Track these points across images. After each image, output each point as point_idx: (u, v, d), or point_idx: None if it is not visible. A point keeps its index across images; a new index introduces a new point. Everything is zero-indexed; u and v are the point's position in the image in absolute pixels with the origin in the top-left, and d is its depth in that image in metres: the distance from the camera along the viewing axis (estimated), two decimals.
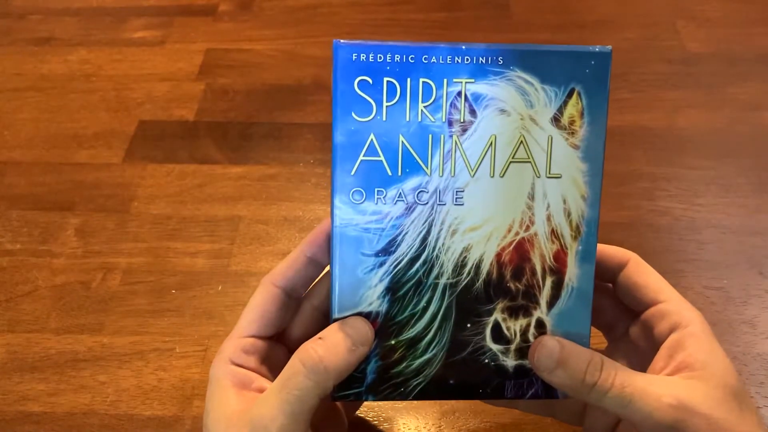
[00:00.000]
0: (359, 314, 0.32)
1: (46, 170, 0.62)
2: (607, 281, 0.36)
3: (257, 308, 0.34)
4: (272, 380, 0.33)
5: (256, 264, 0.54)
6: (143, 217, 0.58)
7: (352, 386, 0.33)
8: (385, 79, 0.31)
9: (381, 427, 0.45)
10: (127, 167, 0.62)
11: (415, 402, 0.46)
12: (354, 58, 0.31)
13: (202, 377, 0.48)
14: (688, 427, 0.29)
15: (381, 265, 0.32)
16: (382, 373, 0.33)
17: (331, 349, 0.30)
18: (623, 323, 0.36)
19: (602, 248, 0.35)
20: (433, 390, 0.33)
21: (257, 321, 0.34)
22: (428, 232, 0.32)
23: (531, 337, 0.33)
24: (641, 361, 0.33)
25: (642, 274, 0.35)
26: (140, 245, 0.56)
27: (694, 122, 0.65)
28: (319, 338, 0.31)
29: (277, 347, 0.35)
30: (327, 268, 0.34)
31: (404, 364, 0.33)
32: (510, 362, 0.33)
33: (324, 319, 0.35)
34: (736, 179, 0.60)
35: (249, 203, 0.59)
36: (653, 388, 0.30)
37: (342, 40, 0.31)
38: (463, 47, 0.31)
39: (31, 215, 0.59)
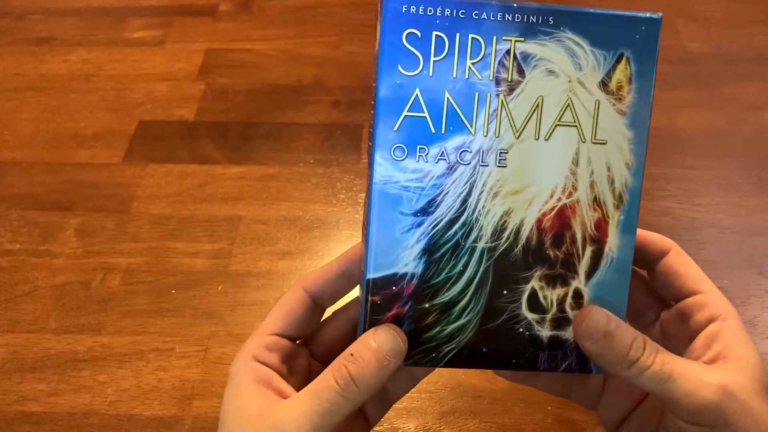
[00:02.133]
0: (393, 275, 0.31)
1: (46, 170, 0.62)
2: (644, 267, 0.36)
3: (284, 308, 0.34)
4: (291, 382, 0.33)
5: (256, 264, 0.54)
6: (143, 217, 0.58)
7: None
8: (434, 33, 0.30)
9: (381, 427, 0.45)
10: (127, 167, 0.62)
11: (416, 402, 0.46)
12: (404, 9, 0.30)
13: (202, 377, 0.48)
14: (727, 410, 0.29)
15: (419, 225, 0.31)
16: (414, 337, 0.32)
17: (362, 367, 0.30)
18: (653, 311, 0.36)
19: (644, 234, 0.35)
20: (465, 357, 0.32)
21: (283, 320, 0.34)
22: (469, 194, 0.31)
23: (568, 308, 0.32)
24: (671, 349, 0.33)
25: (683, 264, 0.35)
26: (140, 245, 0.56)
27: (694, 122, 0.65)
28: (351, 354, 0.30)
29: (300, 351, 0.35)
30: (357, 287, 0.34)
31: (437, 329, 0.32)
32: (545, 332, 0.32)
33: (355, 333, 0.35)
34: (736, 179, 0.60)
35: (249, 203, 0.59)
36: (694, 369, 0.30)
37: None
38: (515, 5, 0.30)
39: (31, 215, 0.59)
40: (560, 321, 0.32)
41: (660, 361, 0.29)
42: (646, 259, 0.35)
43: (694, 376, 0.29)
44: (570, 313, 0.32)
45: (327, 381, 0.30)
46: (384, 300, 0.31)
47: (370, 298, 0.31)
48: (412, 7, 0.30)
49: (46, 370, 0.48)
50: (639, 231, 0.34)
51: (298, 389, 0.31)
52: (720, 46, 0.72)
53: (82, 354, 0.49)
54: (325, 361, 0.36)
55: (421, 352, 0.32)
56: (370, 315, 0.31)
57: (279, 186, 0.60)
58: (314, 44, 0.74)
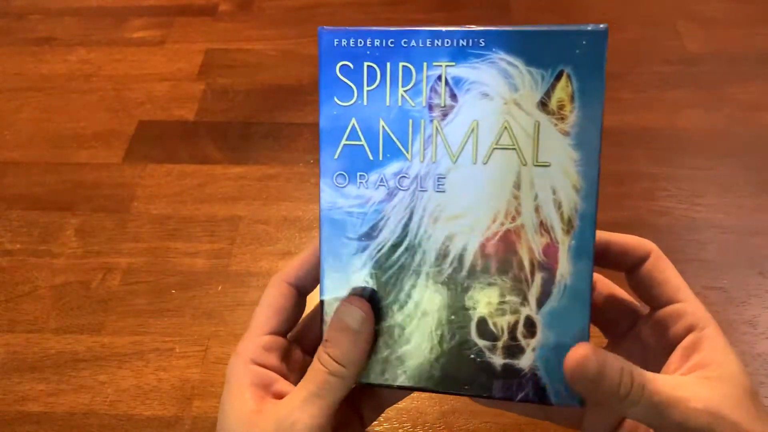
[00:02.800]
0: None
1: (46, 170, 0.62)
2: (625, 271, 0.36)
3: (273, 305, 0.34)
4: (293, 380, 0.33)
5: (256, 264, 0.54)
6: (143, 217, 0.58)
7: None
8: (366, 64, 0.31)
9: (381, 427, 0.45)
10: (126, 167, 0.62)
11: (416, 402, 0.46)
12: (336, 43, 0.31)
13: (202, 377, 0.48)
14: (715, 430, 0.29)
15: (364, 249, 0.32)
16: (369, 356, 0.32)
17: (339, 346, 0.31)
18: (627, 321, 0.36)
19: (623, 238, 0.35)
20: (418, 380, 0.32)
21: (275, 317, 0.34)
22: (410, 219, 0.32)
23: (520, 336, 0.31)
24: (647, 360, 0.33)
25: (662, 270, 0.34)
26: (140, 245, 0.56)
27: (694, 122, 0.65)
28: (326, 340, 0.32)
29: (294, 346, 0.35)
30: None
31: (388, 351, 0.32)
32: (497, 360, 0.32)
33: None
34: (736, 179, 0.60)
35: (249, 203, 0.59)
36: (679, 393, 0.29)
37: (326, 27, 0.32)
38: (443, 30, 0.30)
39: (31, 215, 0.59)
40: (513, 349, 0.32)
41: (648, 394, 0.29)
42: (626, 264, 0.35)
43: (682, 402, 0.29)
44: (522, 341, 0.31)
45: (315, 369, 0.31)
46: None
47: (324, 319, 0.32)
48: (343, 40, 0.31)
49: (46, 370, 0.48)
50: (618, 235, 0.34)
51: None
52: (720, 46, 0.72)
53: (82, 354, 0.49)
54: (313, 351, 0.36)
55: (375, 372, 0.32)
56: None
57: (279, 186, 0.60)
58: (314, 44, 0.74)
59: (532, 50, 0.30)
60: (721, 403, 0.29)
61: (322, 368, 0.31)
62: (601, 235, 0.34)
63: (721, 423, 0.29)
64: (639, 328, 0.35)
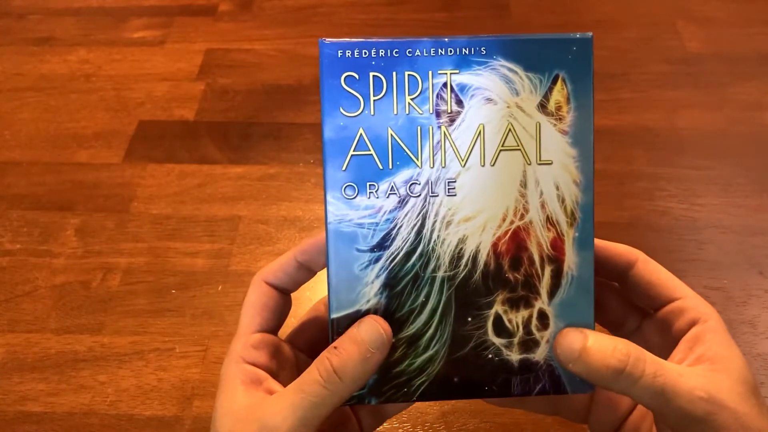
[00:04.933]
0: (357, 312, 0.32)
1: (46, 170, 0.62)
2: (614, 280, 0.36)
3: (257, 305, 0.34)
4: (282, 377, 0.33)
5: (256, 264, 0.54)
6: (143, 217, 0.58)
7: None
8: (371, 74, 0.31)
9: (381, 428, 0.45)
10: (127, 167, 0.62)
11: (417, 402, 0.46)
12: (339, 54, 0.31)
13: (202, 377, 0.48)
14: (716, 420, 0.29)
15: (377, 260, 0.32)
16: (384, 372, 0.32)
17: (345, 359, 0.30)
18: (632, 320, 0.36)
19: (609, 246, 0.35)
20: (438, 389, 0.33)
21: (260, 315, 0.34)
22: (422, 225, 0.32)
23: (534, 330, 0.32)
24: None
25: (654, 272, 0.35)
26: (140, 245, 0.56)
27: (694, 122, 0.65)
28: (334, 347, 0.31)
29: (283, 344, 0.35)
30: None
31: (406, 363, 0.32)
32: (514, 356, 0.32)
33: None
34: (736, 179, 0.60)
35: (249, 203, 0.59)
36: (684, 380, 0.30)
37: (327, 39, 0.31)
38: (446, 40, 0.31)
39: (31, 215, 0.59)
40: (528, 343, 0.32)
41: (651, 372, 0.29)
42: (614, 272, 0.35)
43: (685, 389, 0.29)
44: (537, 334, 0.32)
45: (311, 374, 0.30)
46: None
47: (335, 338, 0.31)
48: (347, 51, 0.31)
49: (46, 370, 0.48)
50: (604, 243, 0.35)
51: (288, 383, 0.32)
52: (720, 46, 0.72)
53: (82, 354, 0.49)
54: (310, 352, 0.36)
55: (393, 388, 0.32)
56: None
57: (279, 186, 0.60)
58: (314, 44, 0.73)
59: (530, 57, 0.32)
60: (724, 394, 0.29)
61: (318, 378, 0.30)
62: None
63: (723, 413, 0.29)
64: (644, 328, 0.36)
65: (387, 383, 0.32)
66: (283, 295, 0.35)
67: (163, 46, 0.74)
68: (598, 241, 0.35)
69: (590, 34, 0.32)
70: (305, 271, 0.34)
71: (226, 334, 0.50)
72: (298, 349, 0.35)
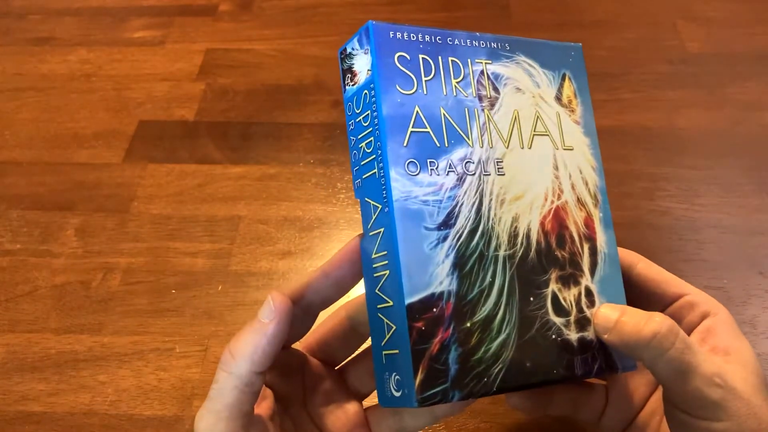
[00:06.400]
0: (431, 295, 0.29)
1: (46, 170, 0.62)
2: None
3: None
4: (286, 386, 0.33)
5: (256, 264, 0.54)
6: (143, 217, 0.58)
7: (437, 382, 0.29)
8: (421, 56, 0.32)
9: None
10: (127, 167, 0.62)
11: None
12: (391, 35, 0.32)
13: (202, 377, 0.48)
14: (730, 407, 0.29)
15: (445, 239, 0.30)
16: (463, 362, 0.30)
17: (238, 335, 0.30)
18: None
19: None
20: (514, 376, 0.31)
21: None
22: (480, 203, 0.32)
23: (584, 307, 0.33)
24: None
25: (658, 272, 0.35)
26: (140, 245, 0.56)
27: (694, 122, 0.65)
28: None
29: (292, 360, 0.35)
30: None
31: (483, 349, 0.30)
32: (573, 335, 0.32)
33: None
34: (736, 179, 0.60)
35: (249, 203, 0.59)
36: (707, 364, 0.30)
37: (376, 21, 0.32)
38: (478, 34, 0.34)
39: (31, 215, 0.59)
40: (582, 321, 0.33)
41: (680, 347, 0.30)
42: None
43: (707, 373, 0.30)
44: (587, 312, 0.33)
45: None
46: (428, 325, 0.29)
47: (414, 326, 0.29)
48: (398, 33, 0.32)
49: (46, 370, 0.48)
50: None
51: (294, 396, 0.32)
52: (720, 46, 0.72)
53: (82, 354, 0.49)
54: (325, 360, 0.36)
55: (474, 378, 0.30)
56: (415, 346, 0.29)
57: (279, 186, 0.60)
58: (314, 44, 0.74)
59: (542, 56, 0.35)
60: (738, 383, 0.30)
61: (218, 365, 0.30)
62: None
63: (737, 402, 0.30)
64: None
65: (467, 374, 0.30)
66: (308, 313, 0.33)
67: (163, 46, 0.74)
68: None
69: (579, 44, 0.37)
70: (335, 288, 0.33)
71: (226, 334, 0.50)
72: (311, 354, 0.35)
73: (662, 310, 0.35)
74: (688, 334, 0.33)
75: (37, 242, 0.56)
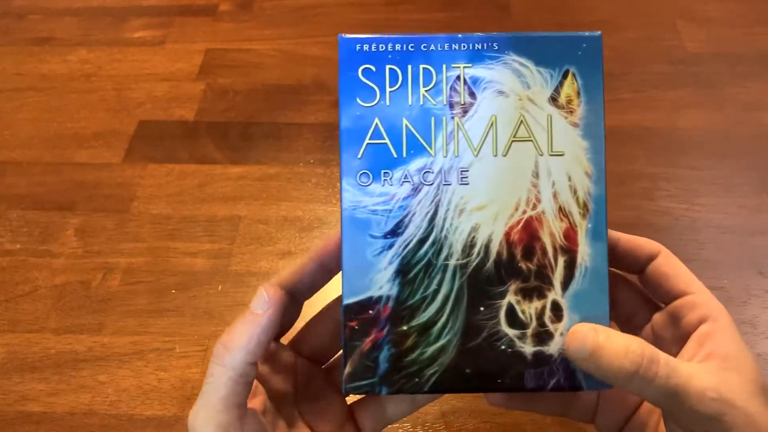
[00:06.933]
0: (369, 299, 0.32)
1: (46, 170, 0.62)
2: (634, 272, 0.36)
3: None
4: (276, 381, 0.33)
5: (256, 264, 0.54)
6: (143, 217, 0.58)
7: (365, 376, 0.32)
8: (388, 67, 0.32)
9: None
10: (127, 167, 0.62)
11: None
12: (357, 48, 0.32)
13: (203, 377, 0.47)
14: (727, 419, 0.29)
15: (390, 247, 0.32)
16: (395, 361, 0.32)
17: (231, 328, 0.30)
18: (642, 315, 0.36)
19: (632, 239, 0.35)
20: (449, 380, 0.32)
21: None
22: (435, 212, 0.32)
23: (548, 321, 0.32)
24: (662, 351, 0.33)
25: (672, 266, 0.34)
26: (140, 245, 0.56)
27: (694, 122, 0.65)
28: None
29: (283, 349, 0.35)
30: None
31: (418, 352, 0.32)
32: (528, 348, 0.32)
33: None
34: (736, 179, 0.60)
35: (249, 203, 0.59)
36: (696, 381, 0.29)
37: (344, 34, 0.33)
38: (460, 36, 0.33)
39: (31, 215, 0.59)
40: (542, 336, 0.32)
41: (664, 374, 0.29)
42: (635, 264, 0.35)
43: (698, 391, 0.29)
44: (551, 326, 0.32)
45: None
46: (361, 325, 0.32)
47: (348, 324, 0.31)
48: (365, 45, 0.32)
49: (46, 370, 0.48)
50: (627, 236, 0.35)
51: (283, 388, 0.32)
52: (720, 46, 0.72)
53: (82, 354, 0.49)
54: (313, 359, 0.36)
55: (404, 377, 0.32)
56: (348, 341, 0.32)
57: (279, 186, 0.60)
58: (314, 44, 0.74)
59: (541, 53, 0.33)
60: (734, 393, 0.29)
61: (211, 360, 0.30)
62: (611, 234, 0.34)
63: (734, 412, 0.29)
64: (653, 321, 0.36)
65: (398, 372, 0.32)
66: (295, 302, 0.34)
67: (163, 46, 0.74)
68: (621, 234, 0.35)
69: (599, 32, 0.33)
70: (323, 273, 0.34)
71: None
72: (299, 354, 0.35)
73: (659, 307, 0.35)
74: (686, 337, 0.33)
75: (37, 242, 0.56)
